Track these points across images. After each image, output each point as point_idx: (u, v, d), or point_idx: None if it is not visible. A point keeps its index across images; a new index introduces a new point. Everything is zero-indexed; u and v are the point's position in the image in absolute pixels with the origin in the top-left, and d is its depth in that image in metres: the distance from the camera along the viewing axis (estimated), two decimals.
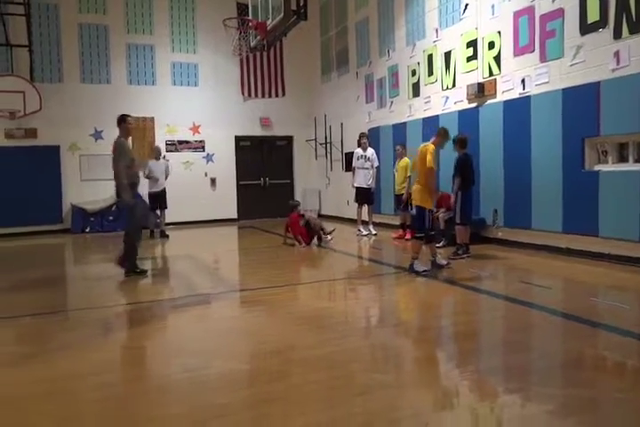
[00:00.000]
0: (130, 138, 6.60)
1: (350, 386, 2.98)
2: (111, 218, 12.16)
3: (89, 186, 12.24)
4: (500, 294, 5.10)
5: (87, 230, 11.97)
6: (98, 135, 12.48)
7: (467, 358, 3.50)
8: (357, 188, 9.79)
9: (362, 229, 9.70)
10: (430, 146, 6.19)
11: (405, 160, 9.13)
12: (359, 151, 9.81)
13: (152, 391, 3.05)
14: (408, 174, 8.93)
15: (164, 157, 11.88)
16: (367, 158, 9.71)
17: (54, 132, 12.00)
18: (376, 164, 9.81)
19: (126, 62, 12.74)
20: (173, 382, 3.16)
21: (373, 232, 9.68)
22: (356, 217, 10.12)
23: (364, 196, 9.76)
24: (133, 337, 4.26)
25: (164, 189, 10.84)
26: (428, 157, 6.01)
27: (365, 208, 9.91)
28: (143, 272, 6.59)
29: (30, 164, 11.73)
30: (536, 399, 2.74)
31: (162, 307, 5.22)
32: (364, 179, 9.66)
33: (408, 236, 8.34)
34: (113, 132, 12.43)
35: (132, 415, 2.73)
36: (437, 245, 7.83)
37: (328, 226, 9.14)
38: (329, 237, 8.71)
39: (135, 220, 6.54)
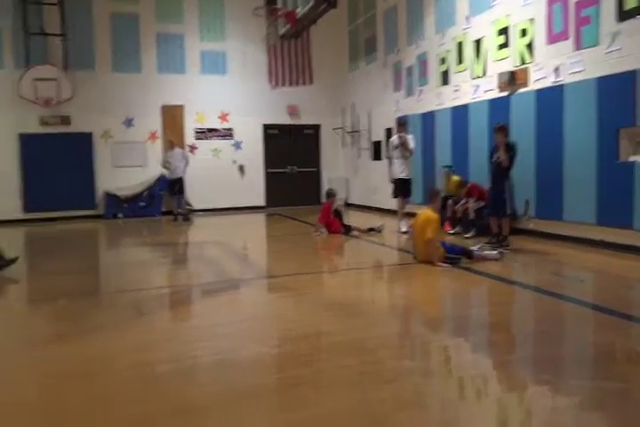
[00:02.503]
0: None
1: (380, 372, 3.03)
2: (142, 204, 12.44)
3: (120, 172, 12.51)
4: (531, 286, 5.08)
5: (119, 216, 12.24)
6: (129, 123, 12.69)
7: (496, 349, 3.52)
8: (399, 179, 8.82)
9: (402, 226, 8.68)
10: (433, 215, 5.90)
11: (455, 178, 8.69)
12: (395, 140, 8.82)
13: (184, 372, 3.15)
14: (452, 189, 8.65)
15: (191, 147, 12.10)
16: (404, 147, 8.66)
17: (87, 120, 12.24)
18: (412, 145, 8.72)
19: (156, 51, 12.86)
20: (204, 364, 3.26)
21: (403, 229, 8.62)
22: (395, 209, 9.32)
23: (403, 187, 8.87)
24: (165, 320, 4.38)
25: (182, 177, 11.57)
26: (432, 227, 5.76)
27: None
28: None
29: (65, 150, 12.02)
30: (566, 391, 2.75)
31: (192, 291, 5.36)
32: (401, 169, 8.75)
33: (448, 228, 8.26)
34: (144, 120, 12.82)
35: (166, 394, 2.83)
36: (466, 235, 7.83)
37: (363, 218, 9.14)
38: (377, 230, 8.58)
39: None
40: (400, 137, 8.67)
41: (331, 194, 8.95)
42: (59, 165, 11.94)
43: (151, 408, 2.65)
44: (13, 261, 6.05)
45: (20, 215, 11.82)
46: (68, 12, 11.87)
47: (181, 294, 5.30)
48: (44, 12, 11.72)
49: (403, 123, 9.03)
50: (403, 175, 8.78)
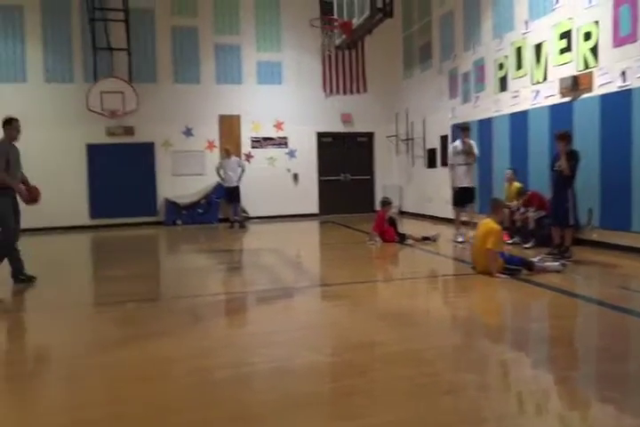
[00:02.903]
0: (13, 141, 6.04)
1: (437, 384, 2.99)
2: (201, 211, 12.81)
3: (180, 180, 12.94)
4: (595, 299, 4.88)
5: (179, 222, 12.65)
6: (188, 132, 13.12)
7: (557, 364, 3.39)
8: (461, 188, 8.48)
9: (459, 237, 8.41)
10: (495, 226, 5.74)
11: (516, 185, 8.44)
12: (458, 145, 8.50)
13: (241, 379, 3.20)
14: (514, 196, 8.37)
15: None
16: (467, 153, 8.40)
17: (149, 130, 12.76)
18: (476, 151, 8.50)
19: (214, 62, 13.27)
20: (261, 371, 3.31)
21: (460, 239, 8.34)
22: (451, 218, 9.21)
23: (464, 196, 8.53)
24: (221, 326, 4.48)
25: (237, 185, 11.80)
26: (493, 238, 5.62)
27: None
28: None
29: (129, 159, 12.58)
30: (631, 411, 2.62)
31: (248, 298, 5.45)
32: (465, 177, 8.40)
33: (506, 238, 7.98)
34: (202, 130, 13.21)
35: (223, 401, 2.89)
36: (525, 246, 7.59)
37: (417, 226, 9.05)
38: (432, 239, 8.47)
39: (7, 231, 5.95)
40: (464, 142, 8.41)
41: (386, 202, 8.90)
42: (122, 174, 12.49)
43: (209, 415, 2.71)
44: (32, 279, 6.09)
45: (87, 221, 12.44)
46: (132, 27, 12.43)
47: (237, 301, 5.40)
48: (110, 28, 12.33)
49: (466, 127, 8.66)
50: (465, 184, 8.43)
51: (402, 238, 8.53)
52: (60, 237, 11.22)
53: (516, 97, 9.19)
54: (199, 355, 3.60)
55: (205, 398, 2.94)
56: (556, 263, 5.97)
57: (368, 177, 14.50)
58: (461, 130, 8.66)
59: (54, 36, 12.34)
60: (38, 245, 10.18)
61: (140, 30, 12.67)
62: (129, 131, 12.65)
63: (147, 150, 12.79)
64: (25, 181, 6.17)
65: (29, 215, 11.45)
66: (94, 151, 12.47)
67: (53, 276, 6.70)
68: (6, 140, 6.03)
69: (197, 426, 2.60)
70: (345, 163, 14.25)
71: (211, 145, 13.26)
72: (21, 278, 6.05)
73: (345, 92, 13.99)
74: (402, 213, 13.33)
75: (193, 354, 3.60)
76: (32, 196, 6.15)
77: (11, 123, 6.02)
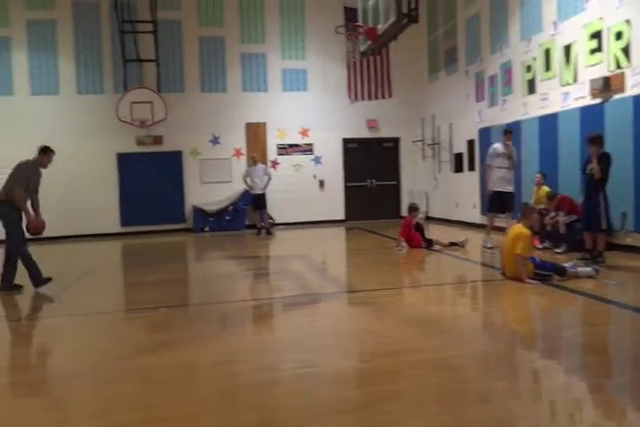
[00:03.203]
0: (41, 168, 6.25)
1: (468, 392, 2.94)
2: (228, 218, 12.94)
3: (207, 188, 13.10)
4: (630, 306, 4.73)
5: (206, 229, 12.79)
6: (215, 141, 13.29)
7: (591, 372, 3.30)
8: (499, 192, 8.16)
9: (488, 242, 8.19)
10: (525, 232, 5.62)
11: (545, 189, 8.31)
12: (499, 148, 8.23)
13: (271, 384, 3.22)
14: (543, 200, 8.24)
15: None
16: (508, 156, 8.17)
17: (177, 139, 12.97)
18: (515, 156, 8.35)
19: (241, 71, 13.43)
20: (290, 377, 3.32)
21: (489, 245, 8.14)
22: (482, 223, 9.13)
23: (501, 201, 8.17)
24: (251, 332, 4.51)
25: (264, 193, 11.92)
26: (523, 244, 5.52)
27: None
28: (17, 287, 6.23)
29: (158, 168, 12.81)
30: None
31: (276, 305, 5.47)
32: (504, 181, 8.13)
33: (537, 243, 7.73)
34: (229, 138, 13.36)
35: (255, 405, 2.89)
36: (557, 250, 7.44)
37: (444, 232, 8.97)
38: (460, 245, 8.37)
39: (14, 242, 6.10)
40: (506, 145, 8.17)
41: (413, 208, 8.83)
42: (152, 182, 12.72)
43: (238, 420, 2.72)
44: (17, 288, 6.18)
45: (118, 229, 12.69)
46: (160, 38, 12.69)
47: (265, 307, 5.42)
48: (139, 40, 12.61)
49: (509, 130, 8.34)
50: (502, 188, 8.13)
51: (429, 244, 8.45)
52: (93, 245, 11.47)
53: (544, 99, 9.04)
54: (229, 360, 3.62)
55: (235, 402, 2.95)
56: (589, 268, 5.83)
57: (394, 182, 14.44)
58: (504, 133, 8.38)
59: (86, 48, 12.69)
60: (71, 252, 10.42)
61: (167, 41, 12.92)
62: (158, 140, 12.88)
63: (175, 159, 13.00)
64: (35, 208, 6.29)
65: (63, 223, 11.86)
66: (124, 160, 12.74)
67: (87, 282, 6.85)
68: (35, 164, 6.24)
69: None
70: (371, 168, 14.22)
71: (238, 153, 13.40)
72: (6, 286, 6.15)
73: (370, 98, 13.98)
74: (428, 219, 13.22)
75: (223, 359, 3.63)
76: (37, 225, 6.21)
77: (46, 152, 6.27)
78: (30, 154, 6.33)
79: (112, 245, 11.45)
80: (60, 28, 12.54)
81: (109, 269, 8.45)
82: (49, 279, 6.32)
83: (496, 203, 8.22)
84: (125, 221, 12.76)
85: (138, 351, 3.87)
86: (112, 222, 12.66)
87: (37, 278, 6.18)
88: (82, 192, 12.44)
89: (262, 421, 2.69)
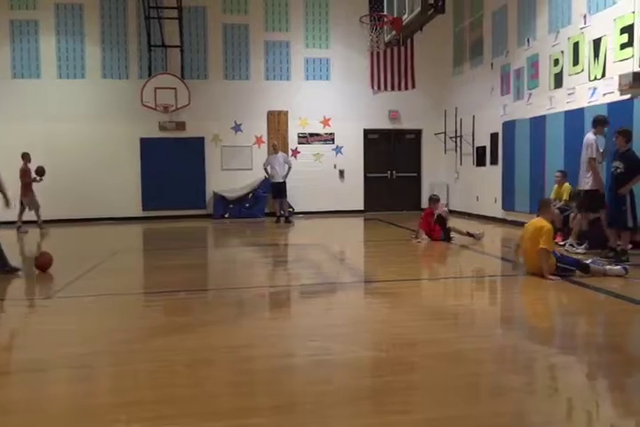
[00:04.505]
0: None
1: (485, 385, 2.97)
2: (247, 205, 13.04)
3: (228, 175, 13.19)
4: None
5: (226, 216, 12.90)
6: (237, 128, 13.35)
7: (610, 371, 3.29)
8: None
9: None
10: (546, 225, 5.51)
11: (567, 186, 8.17)
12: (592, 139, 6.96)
13: (288, 369, 3.27)
14: (565, 198, 8.13)
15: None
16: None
17: (200, 125, 13.05)
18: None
19: (264, 59, 13.42)
20: (308, 363, 3.37)
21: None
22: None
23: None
24: (269, 318, 4.58)
25: (284, 181, 11.91)
26: (545, 237, 5.41)
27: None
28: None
29: (180, 154, 12.90)
30: None
31: (294, 292, 5.53)
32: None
33: (558, 239, 7.64)
34: (251, 126, 13.40)
35: (272, 388, 2.96)
36: (578, 250, 7.32)
37: (463, 225, 8.90)
38: (476, 237, 8.34)
39: None
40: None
41: (434, 199, 8.78)
42: (174, 167, 12.82)
43: (254, 402, 2.79)
44: (17, 270, 6.23)
45: (140, 213, 12.86)
46: (185, 25, 12.73)
47: (283, 294, 5.49)
48: (164, 26, 12.66)
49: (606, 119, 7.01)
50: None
51: (447, 234, 8.40)
52: (114, 228, 11.65)
53: (571, 94, 8.90)
54: (247, 345, 3.69)
55: (251, 386, 3.02)
56: (618, 267, 5.74)
57: (415, 174, 14.37)
58: (600, 122, 7.02)
59: (112, 33, 12.79)
60: (93, 235, 10.61)
61: (192, 28, 12.96)
62: (180, 126, 12.97)
63: (197, 145, 13.09)
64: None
65: (84, 206, 12.06)
66: (147, 145, 12.86)
67: (109, 264, 6.98)
68: None
69: (242, 412, 2.67)
70: (392, 160, 14.17)
71: (259, 140, 13.45)
72: (6, 270, 6.16)
73: (393, 89, 13.88)
74: (449, 212, 13.14)
75: (241, 344, 3.69)
76: (44, 262, 6.26)
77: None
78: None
79: (133, 229, 11.62)
80: (87, 13, 12.65)
81: (131, 251, 8.59)
82: (16, 269, 6.23)
83: (600, 201, 6.87)
84: (146, 205, 12.91)
85: (157, 333, 3.95)
86: (133, 206, 12.82)
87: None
88: (104, 176, 12.61)
89: (277, 405, 2.75)
